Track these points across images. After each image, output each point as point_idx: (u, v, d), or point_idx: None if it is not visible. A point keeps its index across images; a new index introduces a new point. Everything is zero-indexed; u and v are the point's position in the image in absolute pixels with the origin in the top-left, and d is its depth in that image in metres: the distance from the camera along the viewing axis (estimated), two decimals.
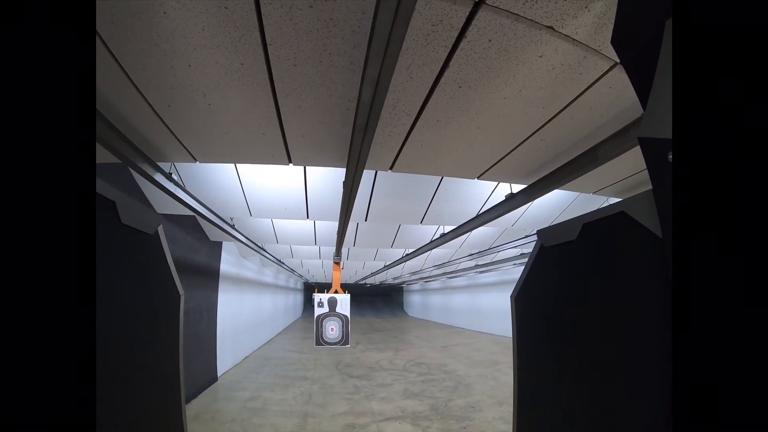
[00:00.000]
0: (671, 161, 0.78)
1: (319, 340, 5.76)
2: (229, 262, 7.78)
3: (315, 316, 5.78)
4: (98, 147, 1.96)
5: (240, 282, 8.86)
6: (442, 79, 1.66)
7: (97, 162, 2.33)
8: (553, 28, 1.38)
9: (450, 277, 16.61)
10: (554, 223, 5.22)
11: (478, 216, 4.25)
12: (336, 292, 5.94)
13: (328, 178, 3.73)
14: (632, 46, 1.08)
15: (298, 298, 24.74)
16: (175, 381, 1.54)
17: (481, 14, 1.32)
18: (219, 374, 7.13)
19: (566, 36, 1.41)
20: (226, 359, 7.60)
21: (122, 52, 1.51)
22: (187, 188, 3.41)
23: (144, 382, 1.29)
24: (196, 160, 2.57)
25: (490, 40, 1.43)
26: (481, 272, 13.84)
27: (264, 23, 1.36)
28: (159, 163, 2.62)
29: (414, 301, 28.48)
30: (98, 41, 1.44)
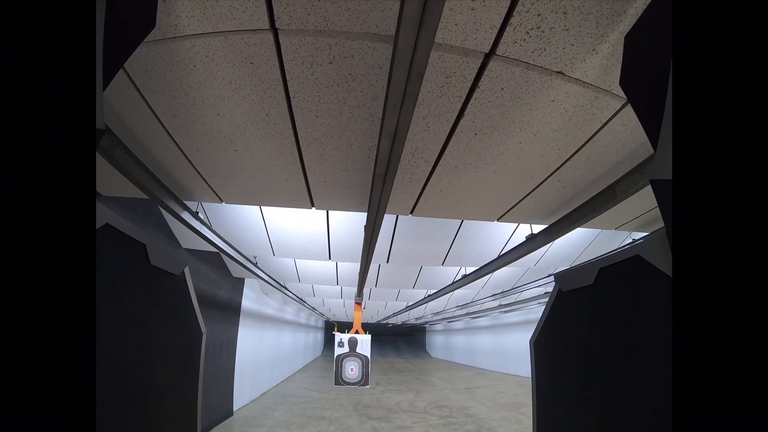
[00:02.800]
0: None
1: (339, 380, 5.68)
2: (250, 298, 7.84)
3: (335, 355, 5.73)
4: (130, 185, 2.07)
5: (260, 318, 8.88)
6: (458, 128, 1.71)
7: (127, 197, 2.47)
8: (563, 73, 1.41)
9: (474, 317, 16.24)
10: (577, 261, 5.14)
11: (499, 257, 4.22)
12: (357, 332, 5.89)
13: (350, 221, 3.79)
14: (640, 86, 1.11)
15: (319, 337, 24.49)
16: (192, 415, 1.57)
17: (492, 65, 1.37)
18: (235, 409, 7.06)
19: (576, 79, 1.44)
20: (242, 394, 7.55)
21: (155, 100, 1.63)
22: (213, 226, 3.52)
23: (163, 414, 1.33)
24: (222, 200, 2.68)
25: (502, 89, 1.48)
26: (506, 312, 13.49)
27: (287, 78, 1.45)
28: (186, 202, 2.74)
29: (437, 342, 27.79)
30: (133, 88, 1.55)
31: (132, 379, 1.12)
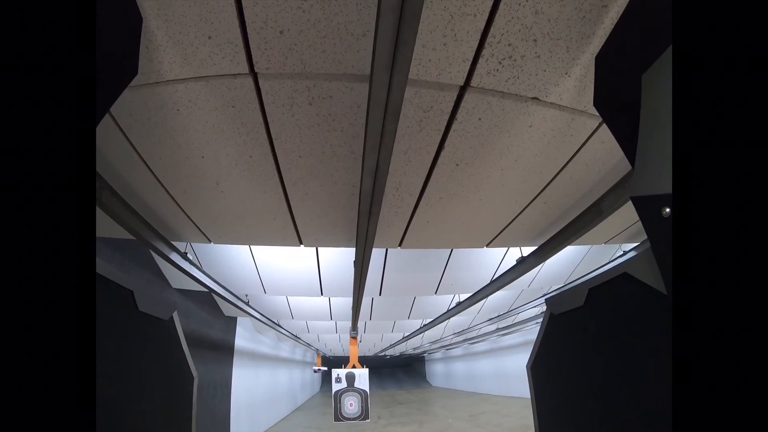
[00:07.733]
0: (666, 216, 0.79)
1: (338, 416, 5.55)
2: (243, 337, 7.70)
3: (333, 391, 5.61)
4: (118, 227, 2.06)
5: (255, 357, 8.70)
6: (440, 159, 1.74)
7: (116, 238, 2.44)
8: (538, 99, 1.43)
9: (472, 343, 16.05)
10: (570, 277, 5.15)
11: (492, 282, 4.22)
12: (354, 366, 5.79)
13: (340, 257, 3.79)
14: (614, 105, 1.13)
15: (316, 373, 23.98)
16: None
17: (468, 96, 1.41)
18: None
19: (552, 103, 1.46)
20: None
21: (140, 143, 1.63)
22: (203, 266, 3.49)
23: None
24: (210, 241, 2.67)
25: (480, 119, 1.51)
26: (504, 335, 13.36)
27: (269, 120, 1.48)
28: (175, 243, 2.72)
29: (437, 370, 27.34)
30: (118, 130, 1.56)
31: (122, 429, 1.09)
